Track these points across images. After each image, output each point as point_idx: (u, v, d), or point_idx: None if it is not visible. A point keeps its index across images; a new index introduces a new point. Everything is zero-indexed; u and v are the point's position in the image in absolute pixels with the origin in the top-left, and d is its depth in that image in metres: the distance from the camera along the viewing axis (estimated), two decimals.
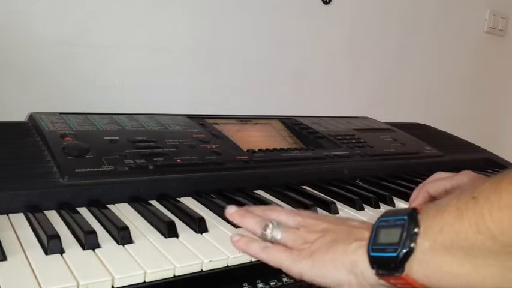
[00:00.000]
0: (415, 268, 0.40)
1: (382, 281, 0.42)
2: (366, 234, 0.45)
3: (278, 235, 0.51)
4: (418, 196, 0.73)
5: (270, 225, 0.51)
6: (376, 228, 0.44)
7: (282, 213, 0.55)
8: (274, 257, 0.49)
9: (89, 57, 0.99)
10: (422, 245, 0.40)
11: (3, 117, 0.78)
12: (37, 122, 0.75)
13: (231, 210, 0.57)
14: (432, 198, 0.72)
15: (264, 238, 0.52)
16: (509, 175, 0.37)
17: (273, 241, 0.51)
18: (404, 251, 0.40)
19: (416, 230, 0.40)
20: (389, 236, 0.42)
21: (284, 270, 0.48)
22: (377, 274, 0.42)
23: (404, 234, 0.41)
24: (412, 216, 0.41)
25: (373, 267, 0.42)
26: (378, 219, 0.45)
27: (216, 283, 0.51)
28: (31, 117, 0.78)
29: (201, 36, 1.12)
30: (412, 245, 0.40)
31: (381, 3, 1.44)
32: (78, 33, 0.96)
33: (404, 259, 0.40)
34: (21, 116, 0.84)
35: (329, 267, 0.45)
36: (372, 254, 0.43)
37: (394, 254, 0.40)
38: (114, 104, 1.01)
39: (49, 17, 0.93)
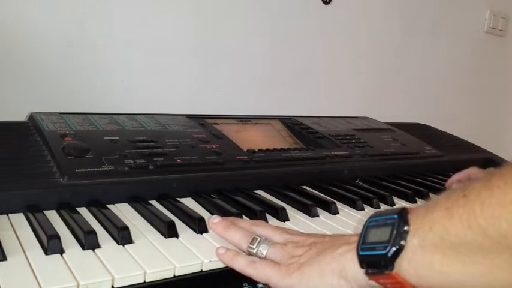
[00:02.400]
0: (405, 267, 0.40)
1: (372, 282, 0.42)
2: (354, 238, 0.45)
3: (265, 250, 0.50)
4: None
5: (258, 240, 0.51)
6: (366, 229, 0.44)
7: (268, 229, 0.54)
8: (262, 273, 0.48)
9: (89, 57, 0.98)
10: (412, 242, 0.40)
11: (3, 117, 0.78)
12: (37, 122, 0.75)
13: (214, 220, 0.56)
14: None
15: (249, 252, 0.51)
16: (499, 171, 0.37)
17: (259, 256, 0.50)
18: (394, 248, 0.40)
19: (406, 228, 0.40)
20: (379, 234, 0.42)
21: (272, 286, 0.47)
22: (366, 273, 0.42)
23: (395, 232, 0.41)
24: (402, 215, 0.42)
25: (362, 267, 0.42)
26: (368, 219, 0.45)
27: (216, 283, 0.51)
28: (31, 117, 0.78)
29: (201, 36, 1.12)
30: (402, 242, 0.40)
31: (381, 3, 1.44)
32: (78, 33, 0.96)
33: (394, 257, 0.40)
34: (21, 116, 0.84)
35: (318, 277, 0.45)
36: (361, 253, 0.43)
37: (384, 252, 0.40)
38: (114, 104, 1.01)
39: (49, 17, 0.93)
